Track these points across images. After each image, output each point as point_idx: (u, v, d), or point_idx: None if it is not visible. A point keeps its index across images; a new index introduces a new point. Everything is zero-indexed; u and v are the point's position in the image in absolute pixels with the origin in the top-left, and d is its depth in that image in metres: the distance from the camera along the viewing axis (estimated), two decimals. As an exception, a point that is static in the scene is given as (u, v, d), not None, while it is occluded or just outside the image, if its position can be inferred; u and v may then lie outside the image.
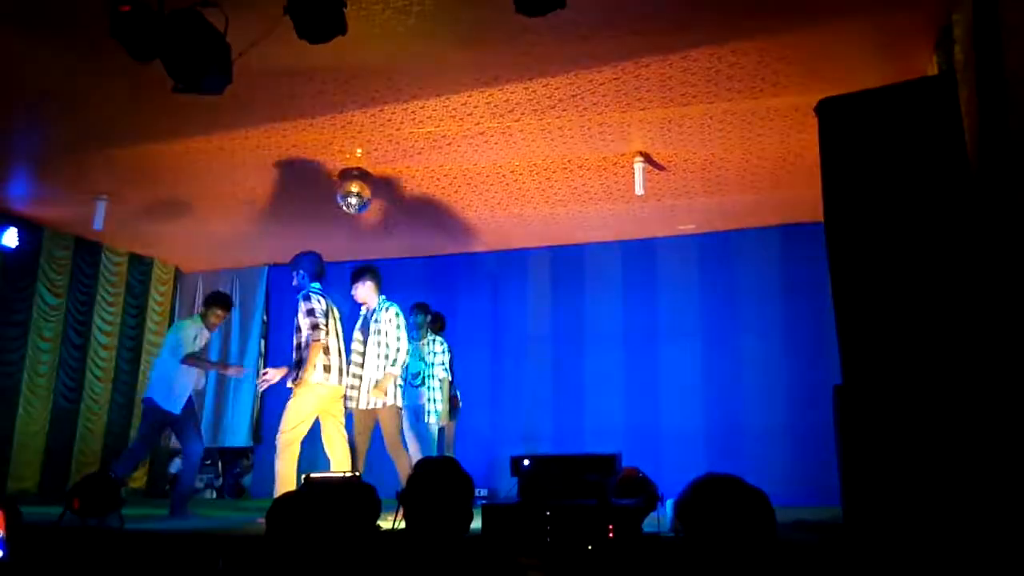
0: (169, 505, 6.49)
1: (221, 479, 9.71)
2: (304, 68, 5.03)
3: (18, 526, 4.03)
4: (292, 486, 5.69)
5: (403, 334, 6.19)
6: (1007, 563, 3.01)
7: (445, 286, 9.13)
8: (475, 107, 5.68)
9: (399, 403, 6.16)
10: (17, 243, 7.80)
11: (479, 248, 9.19)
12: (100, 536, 4.90)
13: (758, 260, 8.41)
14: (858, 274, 3.69)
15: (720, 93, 5.47)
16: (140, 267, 9.60)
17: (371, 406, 6.07)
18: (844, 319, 3.69)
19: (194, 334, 6.60)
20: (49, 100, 5.57)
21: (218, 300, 6.84)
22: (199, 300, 9.68)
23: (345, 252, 8.90)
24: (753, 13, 4.54)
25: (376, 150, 6.45)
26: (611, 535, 4.22)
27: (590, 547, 4.20)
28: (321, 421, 6.04)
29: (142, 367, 9.48)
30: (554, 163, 6.75)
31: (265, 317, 10.05)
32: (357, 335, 6.23)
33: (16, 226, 7.80)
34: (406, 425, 6.68)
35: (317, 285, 6.14)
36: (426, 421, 7.14)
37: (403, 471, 5.92)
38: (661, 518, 4.81)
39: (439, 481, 2.30)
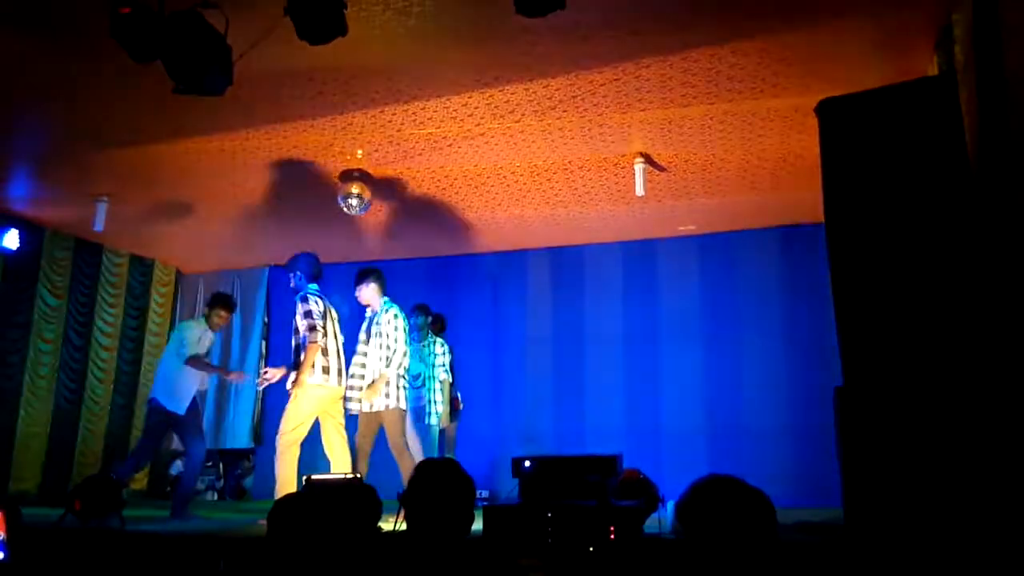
0: (170, 507, 6.49)
1: (222, 481, 9.71)
2: (304, 69, 5.03)
3: (18, 527, 4.03)
4: (292, 488, 5.70)
5: (401, 336, 6.16)
6: (1007, 563, 3.01)
7: (445, 287, 9.12)
8: (475, 108, 5.68)
9: (402, 405, 6.14)
10: (18, 245, 7.79)
11: (479, 249, 9.19)
12: (101, 537, 4.90)
13: (758, 261, 8.40)
14: (859, 275, 3.69)
15: (720, 94, 5.47)
16: (141, 268, 9.60)
17: (374, 409, 6.06)
18: (844, 320, 3.69)
19: (198, 335, 6.61)
20: (49, 101, 5.57)
21: (221, 301, 6.85)
22: (200, 301, 9.68)
23: (345, 253, 8.91)
24: (753, 13, 4.54)
25: (377, 151, 6.45)
26: (612, 536, 4.22)
27: (591, 548, 4.20)
28: (321, 422, 6.04)
29: (143, 368, 9.49)
30: (554, 164, 6.75)
31: (266, 318, 10.05)
32: (362, 337, 6.24)
33: (17, 227, 7.80)
34: (409, 427, 6.68)
35: (314, 286, 6.14)
36: (427, 423, 7.14)
37: (406, 473, 5.92)
38: (662, 519, 4.80)
39: (440, 483, 2.30)
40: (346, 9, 3.96)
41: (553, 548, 4.25)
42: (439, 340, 7.52)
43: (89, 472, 8.05)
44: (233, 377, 7.23)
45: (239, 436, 9.68)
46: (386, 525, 4.67)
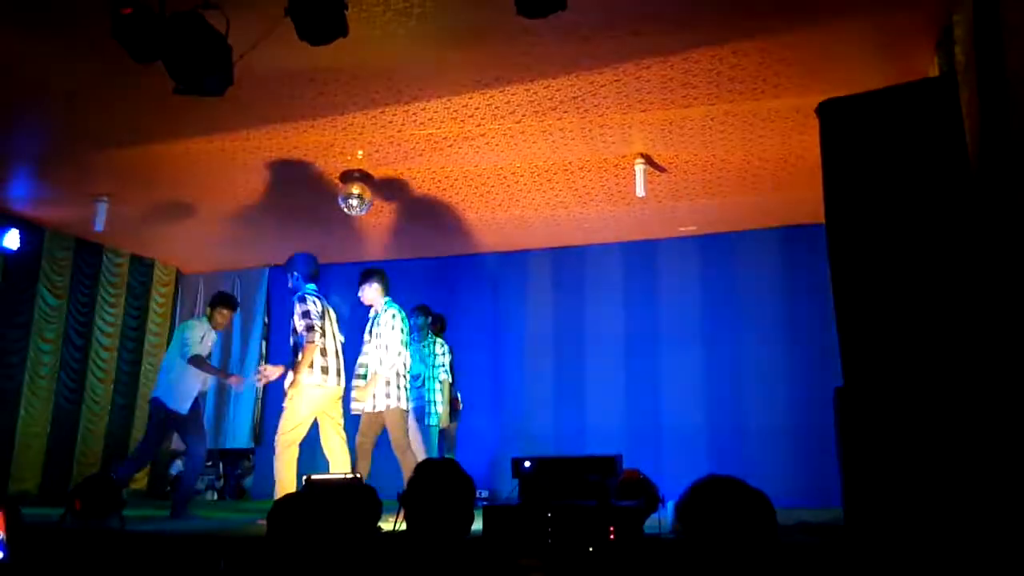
0: (170, 506, 6.49)
1: (222, 481, 9.71)
2: (305, 70, 5.03)
3: (18, 527, 4.03)
4: (292, 488, 5.70)
5: (396, 335, 6.14)
6: (1007, 564, 3.01)
7: (446, 287, 9.12)
8: (476, 108, 5.68)
9: (403, 405, 6.14)
10: (18, 245, 7.79)
11: (480, 249, 9.18)
12: (101, 537, 4.90)
13: (759, 262, 8.40)
14: (859, 276, 3.69)
15: (721, 95, 5.47)
16: (141, 268, 9.60)
17: (376, 409, 6.07)
18: (845, 321, 3.69)
19: (201, 334, 6.62)
20: (50, 101, 5.57)
21: (223, 300, 6.86)
22: (200, 301, 9.69)
23: (346, 253, 8.91)
24: (754, 13, 4.54)
25: (377, 152, 6.45)
26: (612, 537, 4.22)
27: (591, 549, 4.20)
28: (319, 423, 6.04)
29: (143, 368, 9.49)
30: (555, 164, 6.75)
31: (266, 319, 10.05)
32: (366, 337, 6.25)
33: (17, 227, 7.80)
34: (412, 426, 6.69)
35: (312, 286, 6.14)
36: (427, 423, 7.14)
37: (409, 473, 5.92)
38: (662, 520, 4.80)
39: (440, 483, 2.30)
40: (347, 10, 3.96)
41: (553, 548, 4.25)
42: (439, 340, 7.53)
43: (89, 472, 8.04)
44: (233, 380, 7.19)
45: (239, 436, 9.68)
46: (386, 525, 4.68)
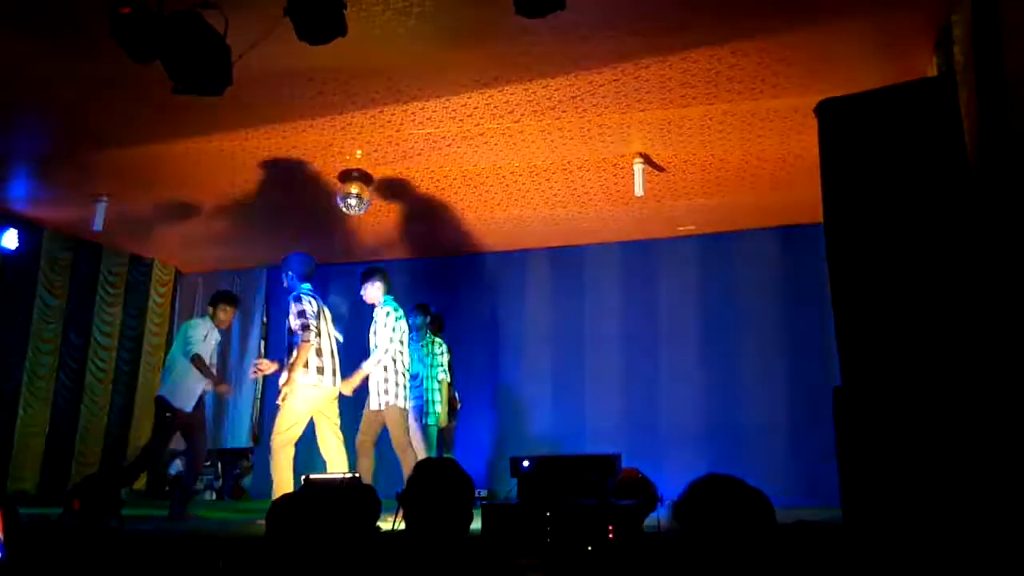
0: (169, 506, 6.49)
1: (221, 480, 9.71)
2: (304, 69, 5.03)
3: (16, 527, 4.03)
4: (289, 487, 5.70)
5: (386, 332, 6.14)
6: (1007, 564, 3.01)
7: (445, 287, 9.13)
8: (475, 108, 5.68)
9: (400, 404, 6.15)
10: (17, 244, 7.79)
11: (479, 249, 9.18)
12: (100, 537, 4.90)
13: (758, 261, 8.40)
14: (857, 276, 3.69)
15: (720, 94, 5.47)
16: (140, 268, 9.58)
17: (378, 407, 6.07)
18: (843, 321, 3.69)
19: (204, 333, 6.62)
20: (49, 101, 5.57)
21: (225, 297, 6.88)
22: (199, 301, 9.67)
23: (345, 253, 8.91)
24: (752, 13, 4.54)
25: (376, 151, 6.45)
26: (611, 535, 4.22)
27: (590, 548, 4.21)
28: (315, 422, 6.05)
29: (142, 368, 9.47)
30: (554, 164, 6.75)
31: (265, 318, 10.04)
32: (369, 336, 6.26)
33: (16, 227, 7.80)
34: (412, 424, 6.69)
35: (307, 286, 6.15)
36: (425, 422, 7.14)
37: (409, 471, 5.93)
38: (661, 519, 4.81)
39: (439, 482, 2.30)
40: (346, 9, 3.96)
41: (552, 547, 4.26)
42: (438, 340, 7.53)
43: (88, 472, 8.03)
44: (222, 388, 7.08)
45: (237, 436, 9.68)
46: (385, 524, 4.68)
